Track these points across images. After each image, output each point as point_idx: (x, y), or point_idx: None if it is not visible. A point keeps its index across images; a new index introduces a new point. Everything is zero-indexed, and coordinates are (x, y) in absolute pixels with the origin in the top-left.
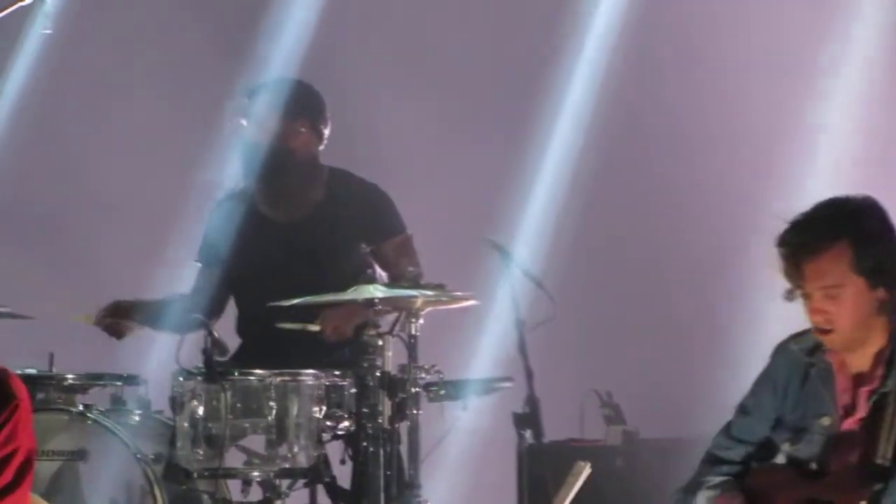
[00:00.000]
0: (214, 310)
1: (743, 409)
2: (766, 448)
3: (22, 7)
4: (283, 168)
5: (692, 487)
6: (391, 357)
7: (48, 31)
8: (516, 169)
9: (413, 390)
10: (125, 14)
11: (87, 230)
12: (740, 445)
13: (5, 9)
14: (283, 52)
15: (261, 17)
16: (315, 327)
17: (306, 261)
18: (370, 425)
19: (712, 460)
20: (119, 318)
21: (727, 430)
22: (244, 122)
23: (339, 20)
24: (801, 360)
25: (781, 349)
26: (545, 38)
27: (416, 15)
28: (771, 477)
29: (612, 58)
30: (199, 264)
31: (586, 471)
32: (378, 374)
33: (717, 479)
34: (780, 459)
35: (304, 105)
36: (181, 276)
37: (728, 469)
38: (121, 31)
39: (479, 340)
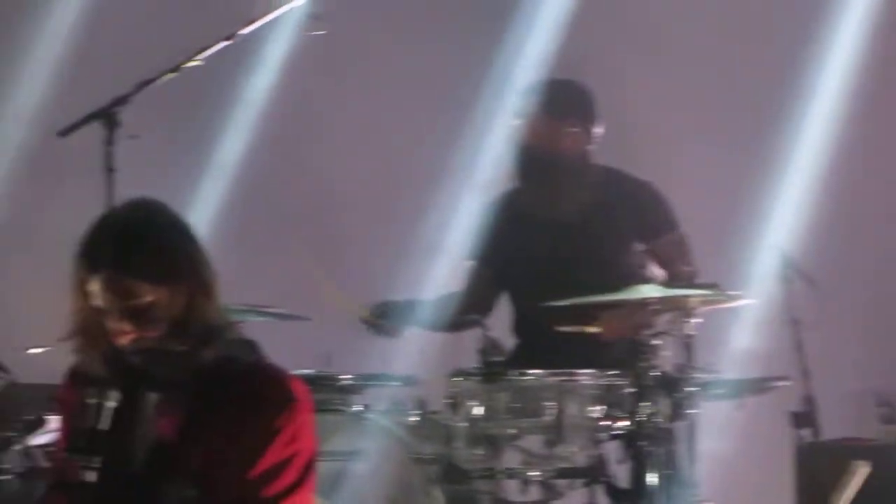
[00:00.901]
0: (485, 309)
1: None
2: None
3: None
4: (555, 168)
5: None
6: (668, 356)
7: (321, 33)
8: (776, 168)
9: (690, 390)
10: (375, 10)
11: (349, 229)
12: None
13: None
14: (538, 48)
15: (512, 11)
16: (595, 329)
17: (581, 261)
18: (648, 425)
19: None
20: (389, 318)
21: None
22: (516, 123)
23: (595, 17)
24: None
25: None
26: (797, 34)
27: (670, 14)
28: None
29: (864, 53)
30: (471, 263)
31: (865, 470)
32: (656, 373)
33: None
34: None
35: (575, 105)
36: (442, 276)
37: None
38: (373, 29)
39: (752, 339)
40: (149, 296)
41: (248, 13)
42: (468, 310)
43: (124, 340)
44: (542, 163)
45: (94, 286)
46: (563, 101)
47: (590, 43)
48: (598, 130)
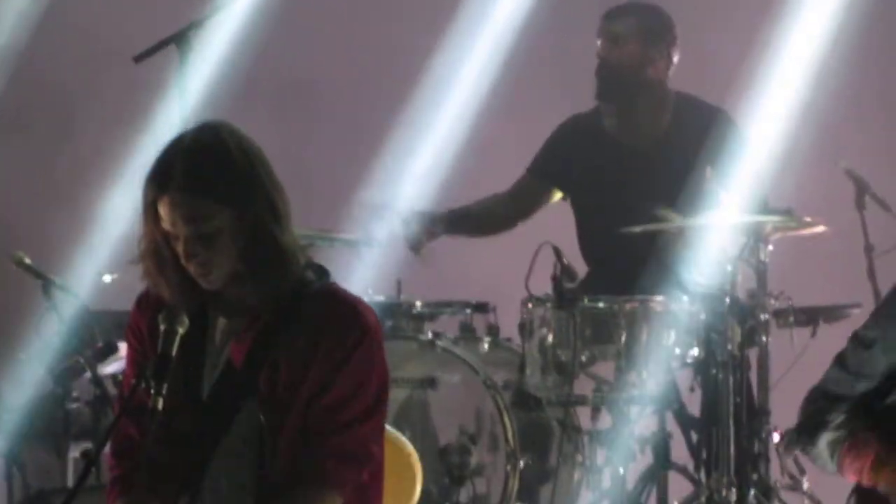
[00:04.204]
0: (524, 214)
1: (862, 341)
2: (889, 382)
3: None
4: (638, 92)
5: (810, 427)
6: (741, 283)
7: None
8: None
9: (762, 317)
10: None
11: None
12: (860, 380)
13: None
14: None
15: None
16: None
17: (655, 185)
18: (719, 352)
19: (827, 396)
20: (429, 229)
21: (841, 363)
22: (600, 42)
23: None
24: None
25: None
26: None
27: None
28: None
29: None
30: (529, 173)
31: None
32: (728, 300)
33: (840, 418)
34: None
35: (661, 31)
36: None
37: (847, 405)
38: None
39: (827, 266)
40: (216, 218)
41: None
42: (508, 212)
43: (193, 265)
44: (627, 85)
45: (163, 208)
46: (653, 26)
47: None
48: (677, 59)
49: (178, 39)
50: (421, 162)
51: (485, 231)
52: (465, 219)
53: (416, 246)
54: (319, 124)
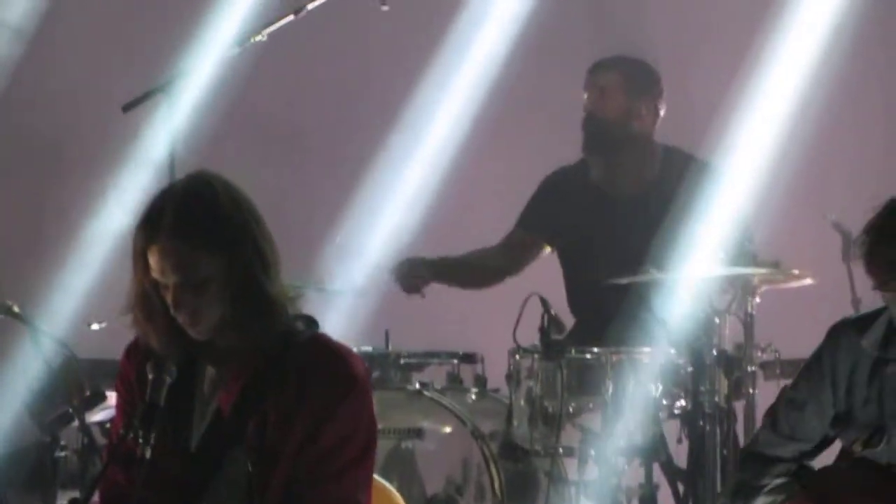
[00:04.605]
0: (515, 268)
1: (793, 403)
2: (820, 444)
3: None
4: (624, 145)
5: (744, 492)
6: (728, 335)
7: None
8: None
9: (750, 369)
10: None
11: None
12: (792, 442)
13: None
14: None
15: None
16: None
17: (641, 236)
18: (707, 404)
19: (761, 459)
20: (418, 274)
21: (773, 425)
22: (586, 95)
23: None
24: (868, 351)
25: (839, 336)
26: None
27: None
28: (844, 480)
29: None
30: (518, 227)
31: None
32: (715, 352)
33: (776, 482)
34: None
35: (647, 84)
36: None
37: (782, 469)
38: None
39: (815, 319)
40: (204, 267)
41: None
42: (499, 265)
43: (182, 314)
44: (613, 138)
45: (153, 256)
46: (639, 79)
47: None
48: (663, 111)
49: (165, 88)
50: (400, 205)
51: (475, 283)
52: (455, 268)
53: (410, 290)
54: (300, 167)
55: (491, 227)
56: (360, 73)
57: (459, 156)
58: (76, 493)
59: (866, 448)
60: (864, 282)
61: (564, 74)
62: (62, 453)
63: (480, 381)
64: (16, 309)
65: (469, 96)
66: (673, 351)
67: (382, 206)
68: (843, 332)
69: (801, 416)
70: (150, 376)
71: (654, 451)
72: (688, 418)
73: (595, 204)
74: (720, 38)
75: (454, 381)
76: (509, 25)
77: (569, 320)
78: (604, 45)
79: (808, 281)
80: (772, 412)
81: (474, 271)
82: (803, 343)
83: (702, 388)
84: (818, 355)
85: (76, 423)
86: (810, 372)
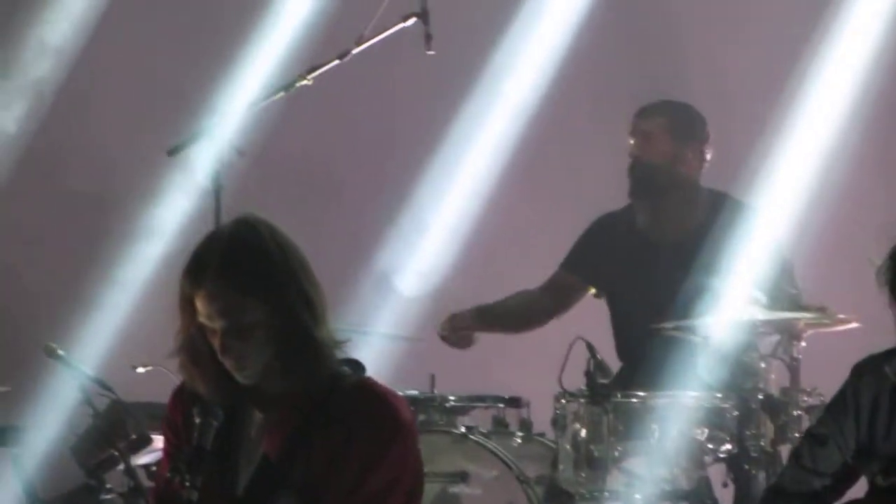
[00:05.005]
0: (558, 310)
1: (817, 438)
2: (844, 479)
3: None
4: (670, 189)
5: None
6: (774, 379)
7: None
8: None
9: (795, 413)
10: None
11: None
12: (816, 477)
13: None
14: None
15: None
16: None
17: (686, 282)
18: (752, 448)
19: (784, 496)
20: (465, 328)
21: (797, 460)
22: (632, 141)
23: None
24: (891, 379)
25: (868, 371)
26: None
27: None
28: None
29: None
30: (563, 269)
31: None
32: (760, 396)
33: None
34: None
35: (692, 129)
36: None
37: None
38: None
39: None
40: (251, 312)
41: (359, 33)
42: (543, 307)
43: (229, 359)
44: (659, 183)
45: (200, 301)
46: (685, 124)
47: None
48: (709, 156)
49: (208, 133)
50: (438, 242)
51: (518, 327)
52: (499, 315)
53: (461, 346)
54: (335, 205)
55: (526, 271)
56: (396, 112)
57: (496, 195)
58: None
59: (888, 479)
60: None
61: (599, 115)
62: (108, 496)
63: (526, 426)
64: (60, 352)
65: (505, 134)
66: (719, 395)
67: (420, 244)
68: (866, 366)
69: (823, 450)
70: (198, 420)
71: (699, 496)
72: (733, 462)
73: (641, 249)
74: (756, 78)
75: (500, 425)
76: (548, 66)
77: (615, 364)
78: (643, 87)
79: (853, 324)
80: (796, 449)
81: (519, 315)
82: None
83: (747, 433)
84: (842, 391)
85: (122, 466)
86: (834, 407)
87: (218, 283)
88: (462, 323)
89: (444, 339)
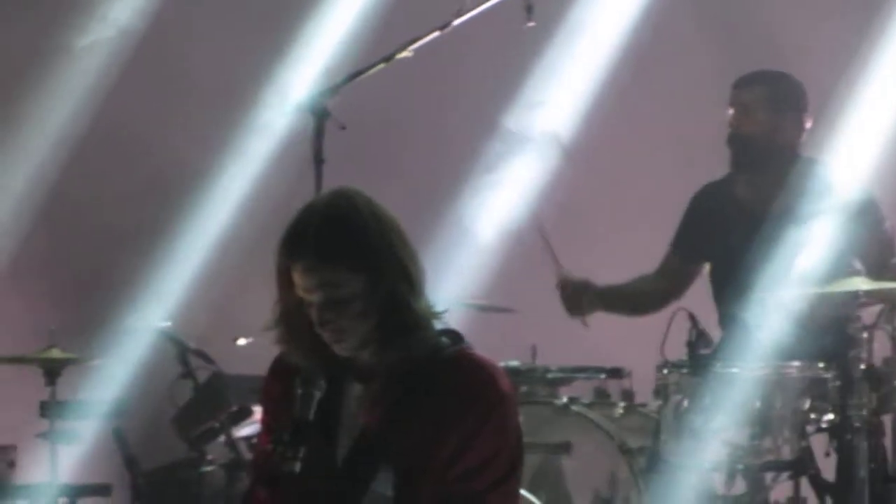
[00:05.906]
0: (676, 294)
1: None
2: None
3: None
4: (772, 160)
5: None
6: (876, 349)
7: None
8: None
9: None
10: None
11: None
12: None
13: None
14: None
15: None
16: None
17: (787, 252)
18: (855, 418)
19: None
20: (587, 301)
21: None
22: (731, 112)
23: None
24: None
25: None
26: None
27: None
28: None
29: None
30: (672, 249)
31: None
32: (863, 366)
33: None
34: None
35: (791, 99)
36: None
37: None
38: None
39: None
40: (348, 285)
41: (459, 4)
42: (661, 290)
43: (327, 331)
44: (760, 154)
45: (296, 274)
46: (784, 94)
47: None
48: (809, 125)
49: (313, 108)
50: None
51: (639, 311)
52: (622, 297)
53: (574, 313)
54: (433, 177)
55: (618, 235)
56: (496, 85)
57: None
58: None
59: None
60: None
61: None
62: (208, 468)
63: (628, 396)
64: (163, 325)
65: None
66: (821, 366)
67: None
68: None
69: None
70: (299, 391)
71: (802, 466)
72: (836, 432)
73: (740, 220)
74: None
75: (601, 396)
76: (640, 41)
77: (716, 334)
78: (731, 60)
79: None
80: None
81: (637, 300)
82: None
83: (850, 403)
84: None
85: (222, 438)
86: None
87: (314, 256)
88: (587, 297)
89: (562, 297)
